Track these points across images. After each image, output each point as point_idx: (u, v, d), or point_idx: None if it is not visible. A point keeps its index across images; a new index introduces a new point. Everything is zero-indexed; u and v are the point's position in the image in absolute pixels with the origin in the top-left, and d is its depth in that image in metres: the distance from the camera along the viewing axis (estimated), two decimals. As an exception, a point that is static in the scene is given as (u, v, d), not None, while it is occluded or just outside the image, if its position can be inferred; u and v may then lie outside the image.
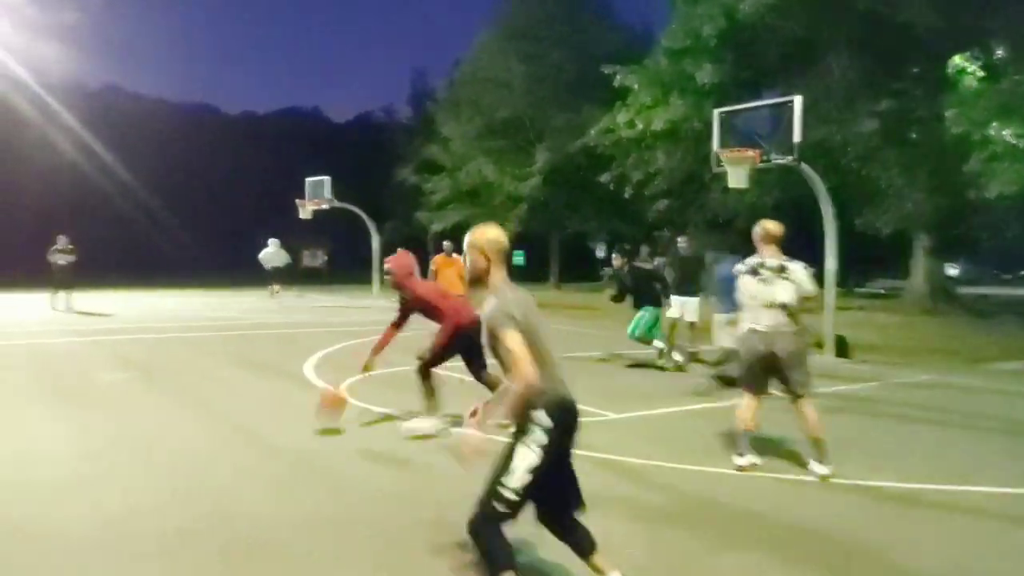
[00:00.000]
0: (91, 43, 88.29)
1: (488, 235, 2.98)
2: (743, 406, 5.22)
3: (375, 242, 26.10)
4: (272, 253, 23.31)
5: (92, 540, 3.86)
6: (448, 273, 11.73)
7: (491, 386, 6.09)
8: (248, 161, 47.44)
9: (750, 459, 5.16)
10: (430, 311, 6.21)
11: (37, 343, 11.91)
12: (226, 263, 33.98)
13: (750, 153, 11.57)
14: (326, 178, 25.63)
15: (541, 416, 2.78)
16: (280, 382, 8.67)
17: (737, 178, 11.74)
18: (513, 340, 2.69)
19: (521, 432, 2.82)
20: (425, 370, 6.16)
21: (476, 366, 6.22)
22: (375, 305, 20.34)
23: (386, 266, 6.33)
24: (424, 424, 6.00)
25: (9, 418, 6.63)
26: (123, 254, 37.60)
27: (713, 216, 23.88)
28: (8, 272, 25.16)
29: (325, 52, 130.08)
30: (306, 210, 25.71)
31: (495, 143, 32.53)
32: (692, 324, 10.83)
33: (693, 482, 5.03)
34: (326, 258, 38.26)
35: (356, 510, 4.44)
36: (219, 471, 5.18)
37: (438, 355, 6.17)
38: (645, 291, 10.20)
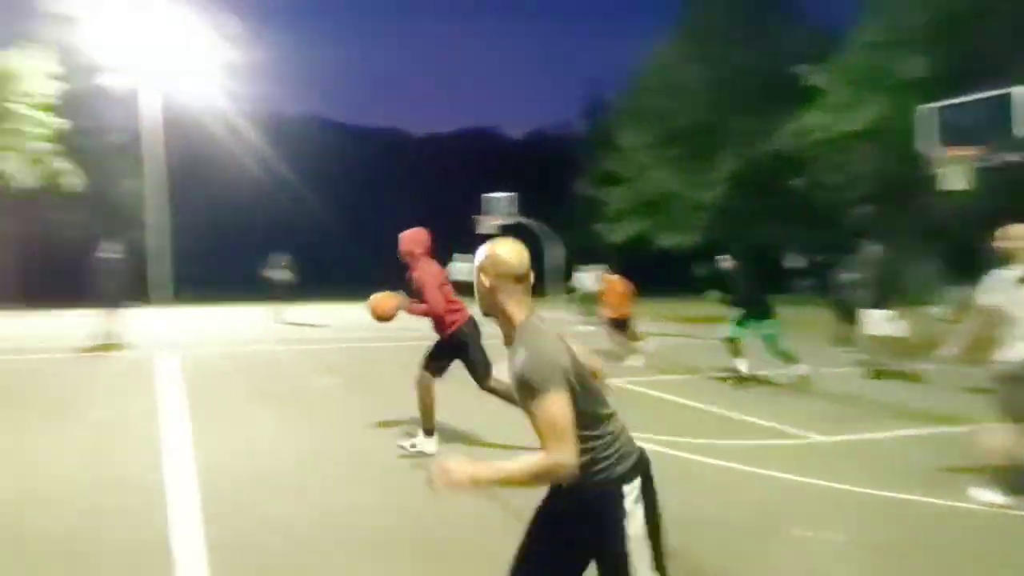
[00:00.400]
0: (291, 76, 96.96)
1: (494, 252, 2.21)
2: (998, 436, 4.59)
3: (552, 256, 26.46)
4: (458, 268, 24.30)
5: (315, 533, 4.18)
6: (611, 294, 11.65)
7: (423, 394, 5.82)
8: (431, 180, 49.93)
9: (996, 494, 4.57)
10: (419, 298, 5.70)
11: (256, 350, 13.18)
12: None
13: (968, 151, 10.46)
14: (506, 194, 26.38)
15: (627, 496, 2.12)
16: (473, 390, 8.93)
17: (954, 179, 10.65)
18: (557, 406, 1.98)
19: (603, 537, 2.14)
20: (487, 385, 5.85)
21: (440, 369, 5.97)
22: (553, 318, 20.52)
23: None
24: (430, 445, 5.86)
25: (239, 418, 7.36)
26: (321, 271, 40.89)
27: (923, 222, 21.85)
28: (227, 288, 28.14)
29: (503, 72, 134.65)
30: (485, 226, 26.58)
31: (675, 151, 31.86)
32: (901, 339, 9.92)
33: (924, 516, 4.55)
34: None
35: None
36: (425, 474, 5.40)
37: (483, 364, 5.84)
38: (753, 300, 9.50)
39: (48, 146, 26.38)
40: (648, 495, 2.18)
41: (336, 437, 6.60)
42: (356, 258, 44.00)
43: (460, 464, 2.01)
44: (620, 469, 2.13)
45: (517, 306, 2.19)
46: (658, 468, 2.20)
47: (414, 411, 7.72)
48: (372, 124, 58.37)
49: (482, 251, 2.25)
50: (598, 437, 2.11)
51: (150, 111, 27.30)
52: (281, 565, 3.79)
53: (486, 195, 27.22)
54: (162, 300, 25.82)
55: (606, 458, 2.11)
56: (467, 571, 3.75)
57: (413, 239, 5.86)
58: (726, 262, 9.96)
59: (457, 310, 5.83)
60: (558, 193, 42.09)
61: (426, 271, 5.72)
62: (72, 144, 26.99)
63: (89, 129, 28.11)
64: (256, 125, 37.38)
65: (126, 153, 29.04)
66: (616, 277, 11.75)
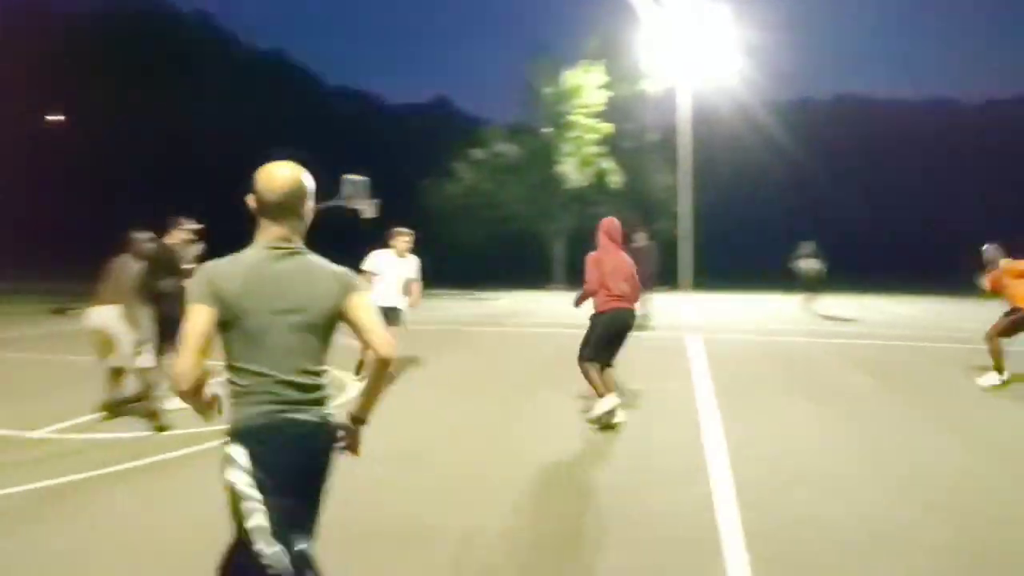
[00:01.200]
0: (816, 57, 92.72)
1: (259, 174, 2.14)
2: None
3: None
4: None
5: (861, 541, 3.73)
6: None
7: (600, 385, 5.92)
8: (992, 151, 42.27)
9: None
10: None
11: (781, 340, 12.63)
12: (970, 267, 30.82)
13: None
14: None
15: (233, 451, 2.03)
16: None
17: None
18: (192, 318, 2.00)
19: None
20: (584, 363, 6.02)
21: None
22: None
23: None
24: (602, 404, 5.86)
25: (766, 405, 7.09)
26: (856, 260, 37.94)
27: None
28: (750, 275, 28.24)
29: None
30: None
31: None
32: None
33: None
34: None
35: None
36: (982, 496, 4.47)
37: (589, 343, 6.05)
38: None
39: (596, 149, 30.14)
40: (264, 467, 2.00)
41: (868, 439, 5.86)
42: (892, 247, 39.72)
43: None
44: (232, 425, 2.06)
45: (259, 234, 2.13)
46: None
47: (959, 421, 6.39)
48: (908, 97, 52.03)
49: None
50: (231, 381, 2.07)
51: (682, 109, 28.84)
52: (821, 565, 3.45)
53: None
54: (685, 285, 27.13)
55: (232, 405, 2.07)
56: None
57: (602, 227, 6.20)
58: None
59: (613, 300, 6.00)
60: None
61: (596, 256, 6.06)
62: (614, 145, 30.33)
63: (628, 131, 31.17)
64: (781, 110, 36.71)
65: (658, 150, 31.37)
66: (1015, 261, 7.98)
